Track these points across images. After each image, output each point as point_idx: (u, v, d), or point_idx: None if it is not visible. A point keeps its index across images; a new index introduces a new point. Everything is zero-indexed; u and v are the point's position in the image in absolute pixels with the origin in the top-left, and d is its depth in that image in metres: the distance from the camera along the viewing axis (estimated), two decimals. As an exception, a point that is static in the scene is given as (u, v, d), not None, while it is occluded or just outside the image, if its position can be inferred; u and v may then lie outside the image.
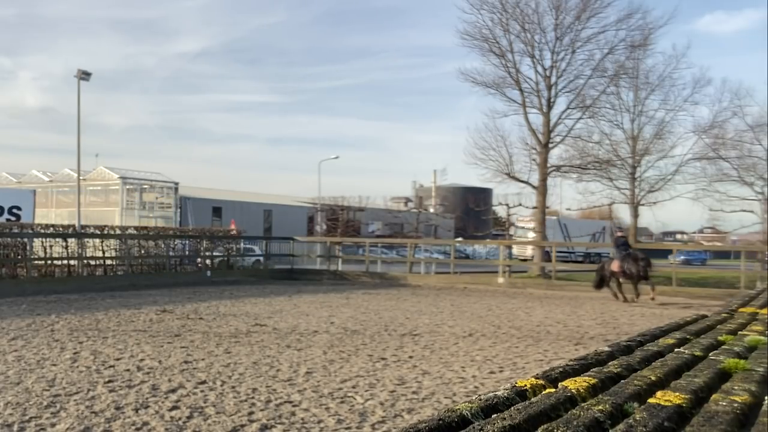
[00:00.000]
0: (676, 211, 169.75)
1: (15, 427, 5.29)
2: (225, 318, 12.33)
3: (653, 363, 2.90)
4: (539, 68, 29.71)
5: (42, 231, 20.13)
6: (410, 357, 8.77)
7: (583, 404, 2.11)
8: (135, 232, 22.91)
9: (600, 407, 2.04)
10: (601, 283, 18.14)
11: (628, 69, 30.60)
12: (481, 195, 54.65)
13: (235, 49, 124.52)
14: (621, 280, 17.60)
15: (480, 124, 78.91)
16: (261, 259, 27.75)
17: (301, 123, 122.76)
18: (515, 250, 40.68)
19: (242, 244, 27.07)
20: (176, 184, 41.71)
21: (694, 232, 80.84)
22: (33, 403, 6.04)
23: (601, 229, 46.75)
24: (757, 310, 5.18)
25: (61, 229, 22.30)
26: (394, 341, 10.08)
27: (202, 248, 24.55)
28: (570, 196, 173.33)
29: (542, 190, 29.67)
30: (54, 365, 7.77)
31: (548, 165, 29.81)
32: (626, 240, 19.09)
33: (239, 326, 11.29)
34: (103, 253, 21.07)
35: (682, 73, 38.36)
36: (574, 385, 2.33)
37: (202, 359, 8.30)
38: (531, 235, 39.18)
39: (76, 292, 17.06)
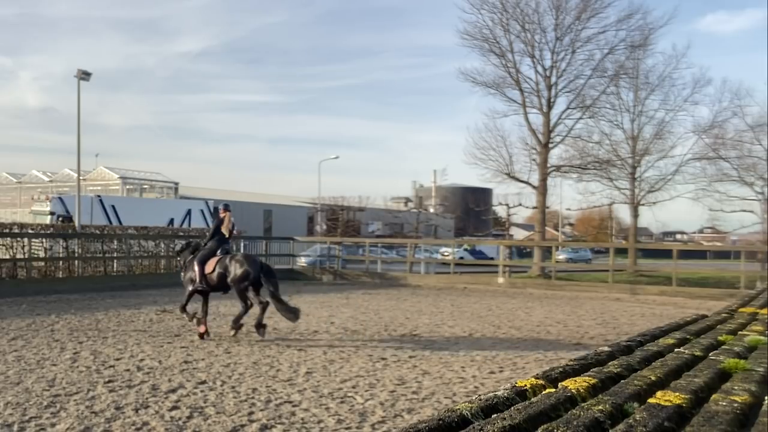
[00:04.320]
0: (676, 211, 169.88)
1: (15, 427, 5.29)
2: (225, 318, 12.32)
3: (653, 363, 2.90)
4: (539, 68, 29.75)
5: (42, 231, 20.13)
6: (410, 357, 8.77)
7: (583, 404, 2.11)
8: (135, 232, 22.90)
9: (600, 407, 2.04)
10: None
11: (628, 69, 30.60)
12: (481, 195, 54.70)
13: (235, 48, 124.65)
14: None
15: (480, 124, 79.06)
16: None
17: (302, 123, 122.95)
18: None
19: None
20: (176, 184, 41.74)
21: (694, 232, 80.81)
22: (33, 403, 6.04)
23: (186, 211, 33.93)
24: (757, 310, 5.18)
25: (61, 229, 22.29)
26: (394, 341, 10.09)
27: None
28: (570, 196, 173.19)
29: (542, 190, 29.68)
30: (54, 365, 7.77)
31: (548, 165, 29.82)
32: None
33: (239, 326, 11.27)
34: (103, 253, 21.06)
35: (682, 73, 38.28)
36: (574, 385, 2.33)
37: (202, 359, 8.31)
38: (47, 219, 27.51)
39: (76, 292, 17.05)
